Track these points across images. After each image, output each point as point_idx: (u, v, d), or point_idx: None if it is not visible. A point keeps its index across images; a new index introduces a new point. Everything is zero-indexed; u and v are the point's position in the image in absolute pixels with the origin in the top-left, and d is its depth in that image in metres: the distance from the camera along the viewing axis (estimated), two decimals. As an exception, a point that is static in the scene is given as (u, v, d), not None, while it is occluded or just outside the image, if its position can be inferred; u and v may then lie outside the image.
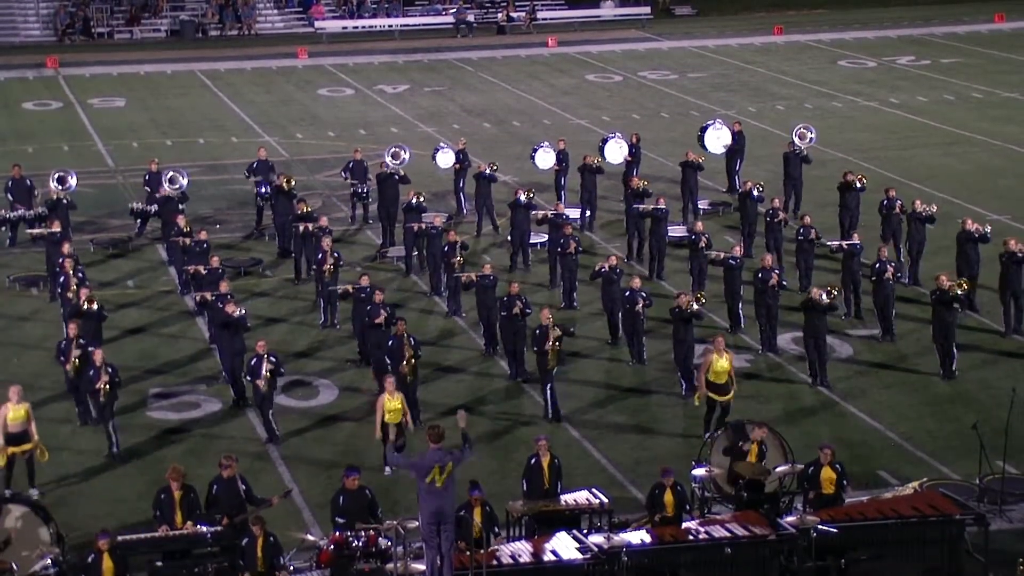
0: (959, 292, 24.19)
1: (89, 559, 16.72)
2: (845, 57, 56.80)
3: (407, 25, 65.73)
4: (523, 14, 65.97)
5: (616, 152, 34.84)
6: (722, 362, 21.83)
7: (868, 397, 23.79)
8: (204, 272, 26.61)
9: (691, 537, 17.71)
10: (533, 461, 18.99)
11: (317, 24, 64.88)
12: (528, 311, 24.27)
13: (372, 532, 17.56)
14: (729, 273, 26.73)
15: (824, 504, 18.43)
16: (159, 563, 17.43)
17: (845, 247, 27.42)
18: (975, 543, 18.15)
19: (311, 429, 22.82)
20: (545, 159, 34.61)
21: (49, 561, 17.49)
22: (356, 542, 17.48)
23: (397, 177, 32.16)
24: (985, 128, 42.68)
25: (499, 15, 65.97)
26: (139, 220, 32.92)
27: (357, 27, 65.63)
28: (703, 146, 35.36)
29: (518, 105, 48.19)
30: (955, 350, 24.42)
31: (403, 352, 22.32)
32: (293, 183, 31.53)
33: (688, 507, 18.58)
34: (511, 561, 17.19)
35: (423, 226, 29.43)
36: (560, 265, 28.31)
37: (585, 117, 45.49)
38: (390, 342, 22.73)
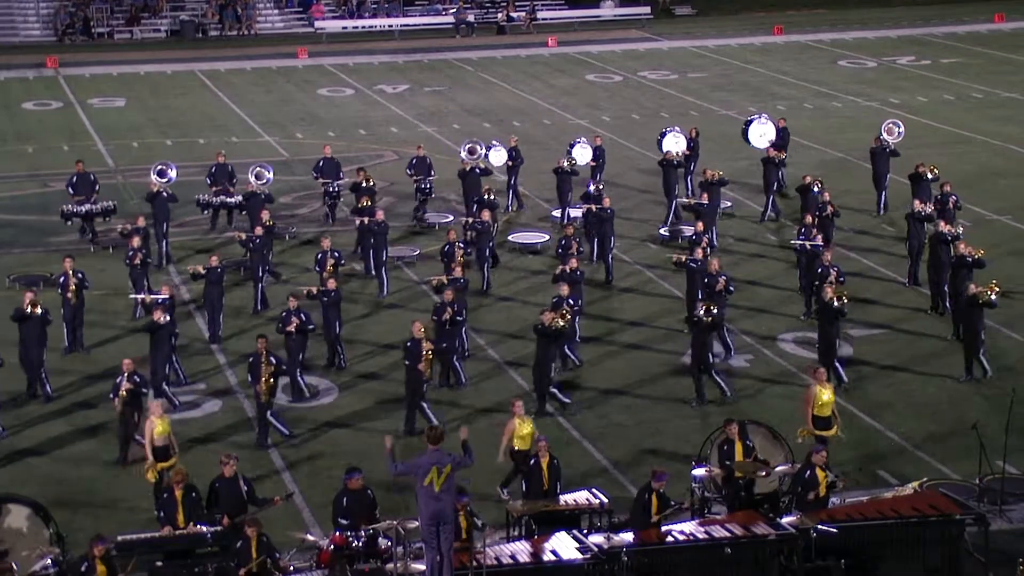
0: (842, 303, 23.79)
1: (83, 567, 16.59)
2: (845, 57, 56.80)
3: (407, 25, 65.75)
4: (523, 14, 66.00)
5: (673, 146, 34.86)
6: (826, 394, 20.82)
7: (868, 397, 23.79)
8: (204, 271, 26.60)
9: (690, 537, 17.71)
10: (533, 462, 19.00)
11: (317, 24, 64.91)
12: (459, 319, 24.15)
13: (372, 532, 17.58)
14: (690, 275, 26.64)
15: (812, 507, 18.39)
16: (159, 563, 17.44)
17: (808, 247, 27.36)
18: (975, 543, 18.16)
19: (312, 430, 22.82)
20: (582, 154, 34.65)
21: (49, 561, 17.50)
22: (356, 542, 17.50)
23: (478, 171, 32.69)
24: (985, 128, 42.68)
25: (499, 15, 65.99)
26: (205, 211, 32.97)
27: (357, 27, 65.66)
28: (746, 140, 35.27)
29: (518, 105, 48.20)
30: (839, 364, 23.97)
31: (260, 372, 21.94)
32: (372, 181, 31.93)
33: (670, 507, 18.45)
34: (511, 561, 17.21)
35: (470, 220, 29.58)
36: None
37: (585, 117, 45.50)
38: (250, 359, 22.22)
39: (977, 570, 17.87)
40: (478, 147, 34.09)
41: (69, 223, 32.56)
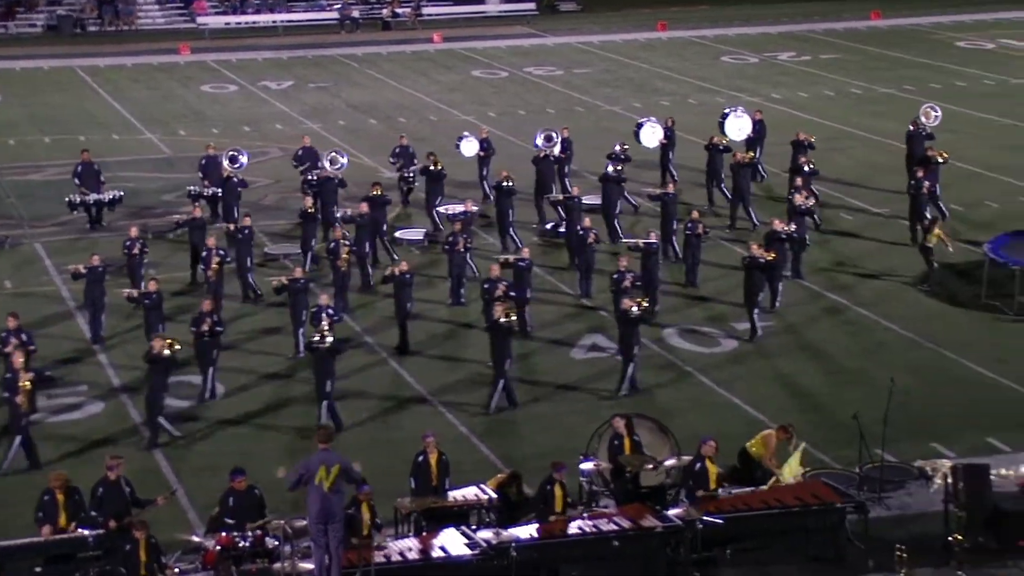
0: (642, 310, 23.86)
1: None
2: (728, 53, 57.44)
3: (291, 21, 65.27)
4: (408, 10, 65.82)
5: (736, 127, 35.48)
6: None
7: (751, 390, 24.10)
8: (84, 271, 26.13)
9: (579, 531, 17.83)
10: (421, 458, 18.99)
11: (199, 20, 64.16)
12: (337, 319, 24.05)
13: (259, 532, 17.45)
14: (648, 259, 27.13)
15: (704, 499, 18.60)
16: (39, 569, 17.11)
17: (642, 246, 27.76)
18: (855, 530, 18.52)
19: (195, 428, 22.62)
20: (652, 136, 35.16)
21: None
22: (243, 542, 17.35)
23: (553, 158, 33.29)
24: (864, 123, 43.41)
25: (384, 11, 65.72)
26: (196, 202, 32.23)
27: (240, 23, 65.03)
28: (723, 134, 35.66)
29: (404, 101, 48.06)
30: (631, 369, 23.74)
31: (17, 386, 20.97)
32: (441, 165, 32.36)
33: (571, 501, 18.65)
34: (400, 558, 17.19)
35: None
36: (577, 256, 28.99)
37: (471, 113, 45.51)
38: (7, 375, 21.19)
39: (858, 557, 18.21)
40: (554, 135, 34.31)
41: (75, 213, 32.39)
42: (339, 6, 65.42)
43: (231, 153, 32.90)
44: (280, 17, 65.51)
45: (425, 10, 66.84)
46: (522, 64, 55.31)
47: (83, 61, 55.69)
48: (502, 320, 23.13)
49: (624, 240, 29.34)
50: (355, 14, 64.99)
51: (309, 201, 30.29)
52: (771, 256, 26.43)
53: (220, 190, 32.26)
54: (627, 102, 46.93)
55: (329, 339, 22.51)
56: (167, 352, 22.04)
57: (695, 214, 29.24)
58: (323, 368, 22.55)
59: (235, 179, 31.86)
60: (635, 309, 23.63)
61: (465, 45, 59.84)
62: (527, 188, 32.90)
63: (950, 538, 18.14)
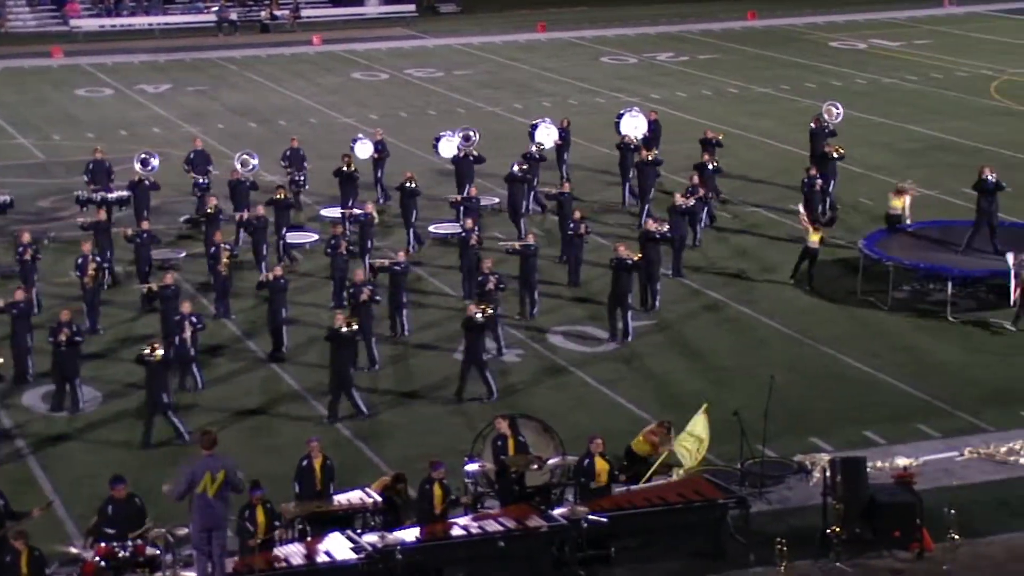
0: (487, 316, 23.82)
1: None
2: (607, 54, 57.85)
3: (167, 24, 64.53)
4: (287, 12, 65.36)
5: (631, 127, 36.12)
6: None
7: (634, 388, 24.28)
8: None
9: (464, 532, 17.83)
10: (305, 463, 18.85)
11: (72, 23, 63.14)
12: (200, 326, 23.79)
13: (140, 542, 17.19)
14: (526, 261, 27.29)
15: (595, 495, 18.74)
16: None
17: (518, 248, 27.92)
18: (737, 526, 18.75)
19: (71, 438, 22.24)
20: (546, 136, 35.49)
21: None
22: (123, 552, 17.07)
23: (472, 158, 33.30)
24: (742, 123, 43.97)
25: (262, 13, 65.20)
26: (84, 207, 32.05)
27: (115, 25, 64.18)
28: (619, 133, 35.84)
29: (284, 104, 47.72)
30: (489, 375, 23.86)
31: None
32: (355, 167, 32.53)
33: (456, 499, 18.67)
34: (285, 564, 17.05)
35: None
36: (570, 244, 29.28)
37: (352, 116, 45.31)
38: None
39: (739, 551, 18.43)
40: (472, 133, 34.58)
41: None
42: (216, 8, 64.74)
43: (143, 156, 32.85)
44: (156, 20, 64.71)
45: (304, 12, 66.42)
46: (402, 66, 55.20)
47: (-49, 65, 54.55)
48: (343, 330, 22.95)
49: (501, 243, 29.42)
50: (233, 16, 64.38)
51: (213, 201, 29.98)
52: (637, 257, 26.59)
53: (131, 193, 31.89)
54: (508, 103, 47.06)
55: (159, 351, 22.02)
56: (158, 352, 21.80)
57: (577, 214, 29.41)
58: (156, 381, 22.01)
59: (147, 182, 31.70)
60: (479, 316, 23.58)
61: (345, 47, 59.58)
62: (426, 189, 32.94)
63: (828, 530, 18.47)
